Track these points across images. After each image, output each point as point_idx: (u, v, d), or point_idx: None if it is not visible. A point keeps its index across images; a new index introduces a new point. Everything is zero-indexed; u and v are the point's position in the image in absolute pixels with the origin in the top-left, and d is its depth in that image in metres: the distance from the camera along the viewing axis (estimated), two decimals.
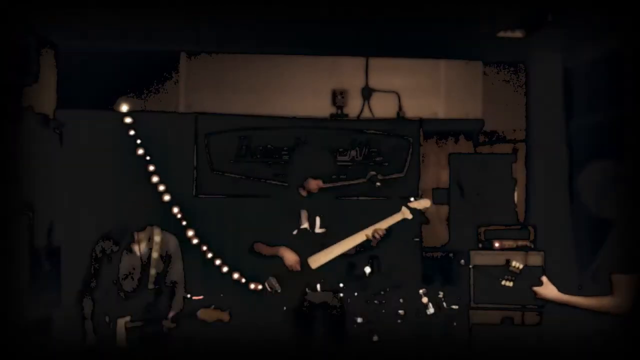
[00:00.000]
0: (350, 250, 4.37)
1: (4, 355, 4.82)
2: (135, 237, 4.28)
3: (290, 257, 4.28)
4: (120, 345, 4.13)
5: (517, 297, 5.62)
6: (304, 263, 4.33)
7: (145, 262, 4.25)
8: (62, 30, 6.07)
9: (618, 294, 3.06)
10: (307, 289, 4.29)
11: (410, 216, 4.33)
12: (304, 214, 4.44)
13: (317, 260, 4.32)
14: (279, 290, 4.28)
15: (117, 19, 5.63)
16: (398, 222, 4.35)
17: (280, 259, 4.30)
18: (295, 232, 4.38)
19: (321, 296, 4.32)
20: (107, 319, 4.11)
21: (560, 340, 4.81)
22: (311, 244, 4.36)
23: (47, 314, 5.53)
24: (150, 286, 4.25)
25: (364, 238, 4.32)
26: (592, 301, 3.15)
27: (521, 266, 3.37)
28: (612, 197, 3.21)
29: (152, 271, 4.25)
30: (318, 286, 4.30)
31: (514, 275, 3.35)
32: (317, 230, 4.43)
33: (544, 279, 3.29)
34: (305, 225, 4.42)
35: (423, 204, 4.42)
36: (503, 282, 3.38)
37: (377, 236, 4.28)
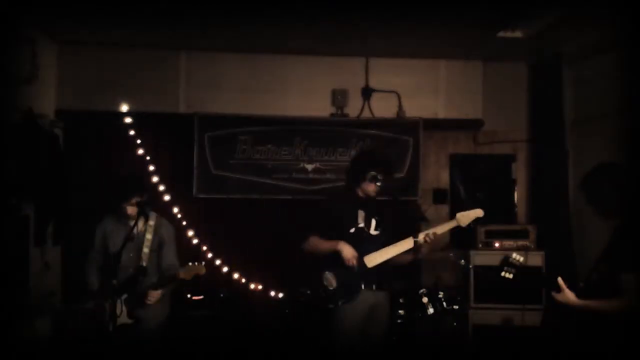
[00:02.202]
0: (404, 252, 4.43)
1: (5, 355, 4.82)
2: (127, 210, 4.49)
3: (348, 251, 4.34)
4: (124, 322, 4.34)
5: (518, 297, 5.63)
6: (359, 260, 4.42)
7: (140, 240, 4.50)
8: (63, 30, 6.07)
9: (629, 294, 3.05)
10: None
11: (464, 224, 4.39)
12: (360, 214, 4.52)
13: (373, 259, 4.41)
14: (335, 285, 4.36)
15: (117, 19, 5.63)
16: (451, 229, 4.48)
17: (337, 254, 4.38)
18: (352, 230, 4.47)
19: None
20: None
21: (560, 340, 4.81)
22: (367, 243, 4.45)
23: (47, 313, 5.53)
24: (144, 263, 4.46)
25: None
26: (607, 304, 3.14)
27: (522, 259, 3.36)
28: (618, 198, 3.21)
29: (145, 249, 4.50)
30: (374, 286, 4.45)
31: (515, 267, 3.34)
32: (372, 232, 4.53)
33: (562, 284, 3.28)
34: (361, 224, 4.51)
35: (477, 213, 4.40)
36: (503, 274, 3.36)
37: (428, 240, 4.34)
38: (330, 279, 4.36)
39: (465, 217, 4.38)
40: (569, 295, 3.26)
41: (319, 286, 4.40)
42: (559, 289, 3.28)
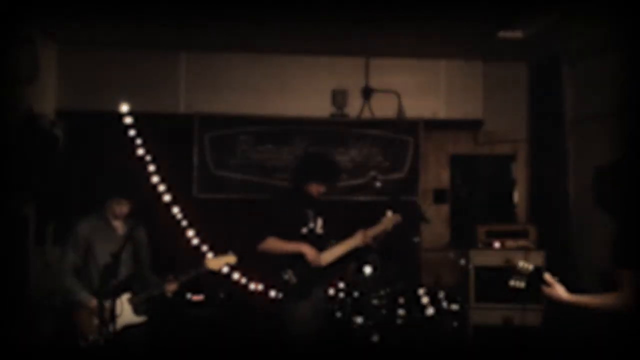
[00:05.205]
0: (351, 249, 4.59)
1: (5, 355, 4.82)
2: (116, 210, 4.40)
3: (312, 252, 4.45)
4: (131, 321, 4.29)
5: (518, 297, 5.63)
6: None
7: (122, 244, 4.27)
8: (63, 30, 6.07)
9: (625, 290, 3.04)
10: None
11: (390, 225, 4.61)
12: (309, 214, 4.62)
13: (325, 258, 4.53)
14: (295, 282, 4.45)
15: (117, 19, 5.63)
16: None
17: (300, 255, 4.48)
18: (304, 230, 4.56)
19: None
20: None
21: (561, 340, 4.81)
22: (316, 243, 4.54)
23: (47, 313, 5.52)
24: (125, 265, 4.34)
25: (363, 239, 4.57)
26: (601, 300, 3.14)
27: (531, 267, 3.30)
28: (620, 194, 3.21)
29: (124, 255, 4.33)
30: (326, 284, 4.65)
31: (524, 275, 3.29)
32: (318, 230, 4.62)
33: (551, 280, 3.27)
34: (312, 225, 4.62)
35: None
36: (512, 284, 3.31)
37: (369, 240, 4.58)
38: (291, 276, 4.46)
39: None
40: (559, 291, 3.25)
41: (280, 281, 4.52)
42: (547, 285, 3.27)
